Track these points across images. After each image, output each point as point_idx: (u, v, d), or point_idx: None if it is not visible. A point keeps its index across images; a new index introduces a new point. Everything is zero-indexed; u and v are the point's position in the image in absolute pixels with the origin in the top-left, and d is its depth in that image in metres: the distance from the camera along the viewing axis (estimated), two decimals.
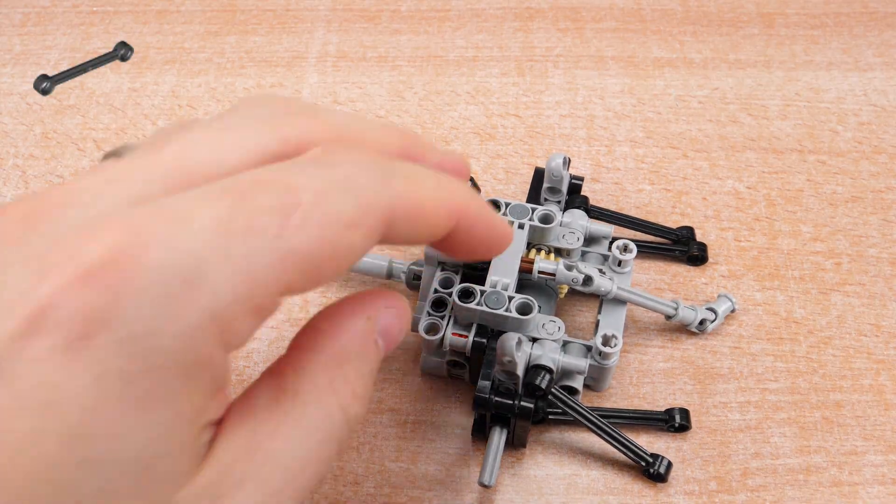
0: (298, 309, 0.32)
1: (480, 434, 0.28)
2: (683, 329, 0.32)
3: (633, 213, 0.35)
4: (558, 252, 0.30)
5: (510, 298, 0.27)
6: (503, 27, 0.44)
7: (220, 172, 0.16)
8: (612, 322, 0.29)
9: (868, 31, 0.44)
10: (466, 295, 0.27)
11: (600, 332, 0.28)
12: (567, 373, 0.28)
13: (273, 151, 0.17)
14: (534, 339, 0.28)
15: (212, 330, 0.15)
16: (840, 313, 0.32)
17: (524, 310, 0.27)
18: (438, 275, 0.29)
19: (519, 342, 0.25)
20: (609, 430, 0.27)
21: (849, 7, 0.45)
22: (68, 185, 0.16)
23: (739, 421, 0.29)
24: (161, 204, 0.15)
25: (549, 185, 0.32)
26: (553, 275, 0.29)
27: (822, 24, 0.44)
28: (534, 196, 0.32)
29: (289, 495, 0.17)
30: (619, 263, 0.31)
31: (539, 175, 0.33)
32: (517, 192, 0.36)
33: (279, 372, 0.18)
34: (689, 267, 0.34)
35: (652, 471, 0.27)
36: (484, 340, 0.27)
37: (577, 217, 0.32)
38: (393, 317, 0.20)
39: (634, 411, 0.29)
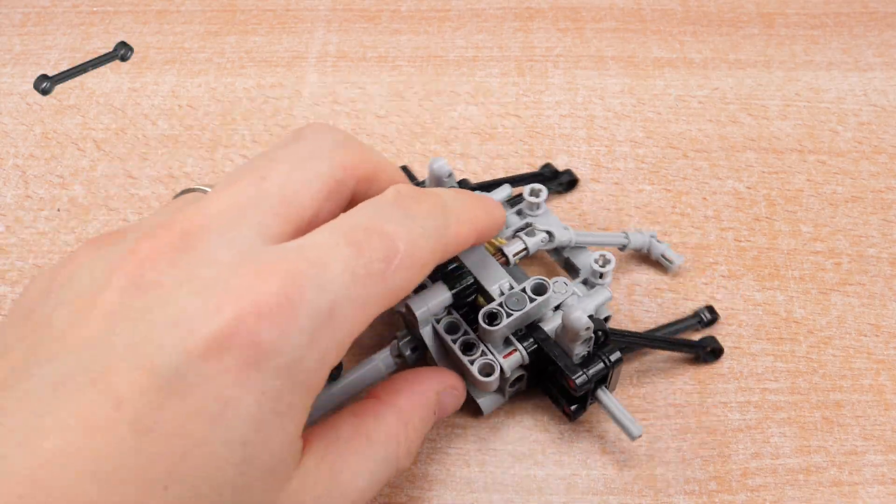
0: None
1: (582, 412, 0.29)
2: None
3: (632, 212, 0.35)
4: None
5: (523, 290, 0.27)
6: (503, 27, 0.44)
7: (310, 199, 0.21)
8: (583, 258, 0.32)
9: (868, 31, 0.44)
10: (493, 318, 0.26)
11: (591, 258, 0.30)
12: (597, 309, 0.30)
13: (336, 177, 0.22)
14: (556, 308, 0.28)
15: (335, 354, 0.19)
16: (840, 313, 0.32)
17: (540, 290, 0.27)
18: (440, 326, 0.28)
19: (580, 312, 0.25)
20: (664, 338, 0.30)
21: (849, 7, 0.45)
22: (202, 208, 0.20)
23: (739, 421, 0.29)
24: (301, 249, 0.19)
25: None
26: (527, 249, 0.29)
27: (822, 24, 0.44)
28: None
29: None
30: (538, 207, 0.32)
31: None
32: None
33: (362, 414, 0.22)
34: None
35: (708, 348, 0.30)
36: (532, 340, 0.27)
37: None
38: (453, 397, 0.26)
39: (669, 323, 0.32)
